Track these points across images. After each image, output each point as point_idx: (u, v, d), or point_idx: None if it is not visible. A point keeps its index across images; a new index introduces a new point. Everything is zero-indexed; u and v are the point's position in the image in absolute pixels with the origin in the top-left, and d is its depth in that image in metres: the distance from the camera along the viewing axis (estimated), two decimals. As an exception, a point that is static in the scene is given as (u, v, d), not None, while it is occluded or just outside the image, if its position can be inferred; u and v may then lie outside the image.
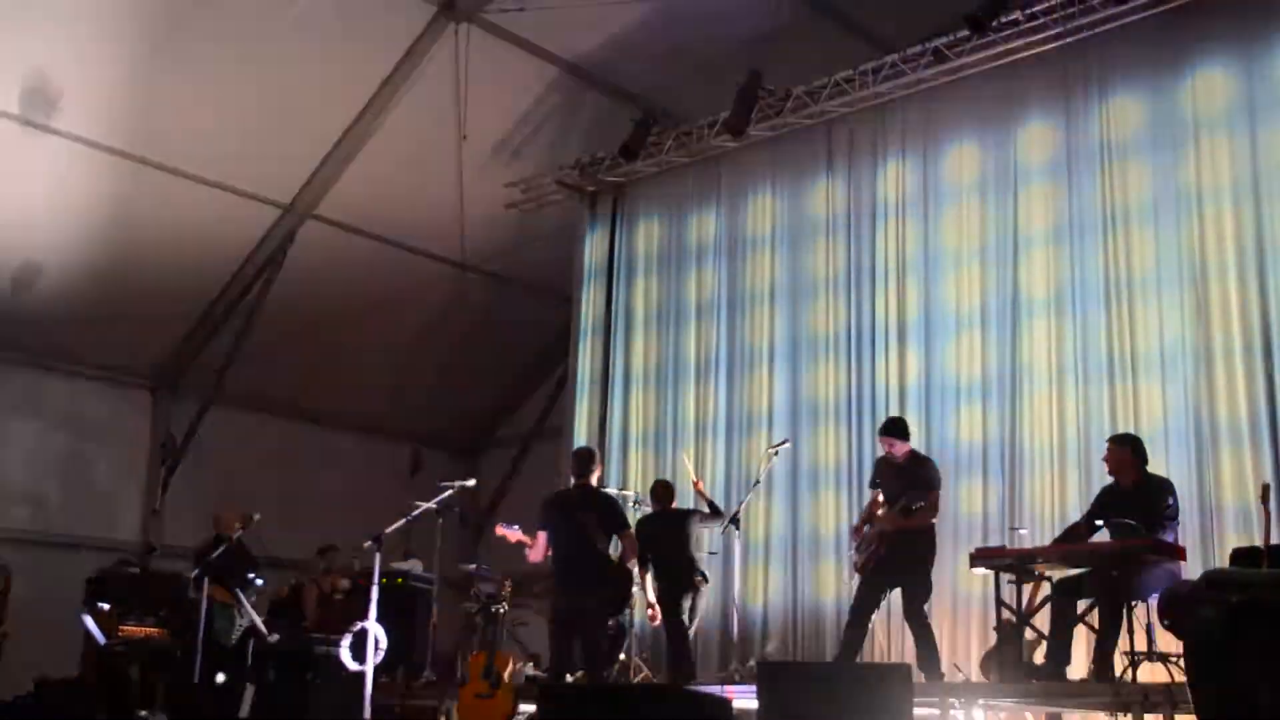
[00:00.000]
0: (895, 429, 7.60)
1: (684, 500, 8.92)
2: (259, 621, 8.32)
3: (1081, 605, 6.64)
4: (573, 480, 7.64)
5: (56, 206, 9.93)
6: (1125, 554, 6.33)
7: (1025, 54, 8.68)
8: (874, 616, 7.41)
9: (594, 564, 7.27)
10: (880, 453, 7.74)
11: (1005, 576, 6.92)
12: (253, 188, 10.59)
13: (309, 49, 9.65)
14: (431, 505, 8.84)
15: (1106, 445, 7.00)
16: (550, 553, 7.39)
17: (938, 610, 8.23)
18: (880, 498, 7.50)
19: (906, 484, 7.30)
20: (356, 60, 9.96)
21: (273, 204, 10.81)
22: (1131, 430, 7.47)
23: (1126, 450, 6.88)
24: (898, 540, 7.20)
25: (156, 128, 9.73)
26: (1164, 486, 6.83)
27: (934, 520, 7.32)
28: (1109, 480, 7.11)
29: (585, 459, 7.70)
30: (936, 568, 8.25)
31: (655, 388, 10.54)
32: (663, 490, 8.54)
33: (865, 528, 7.44)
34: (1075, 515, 7.76)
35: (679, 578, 8.09)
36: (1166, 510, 6.64)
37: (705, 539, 8.49)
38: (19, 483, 10.71)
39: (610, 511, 7.49)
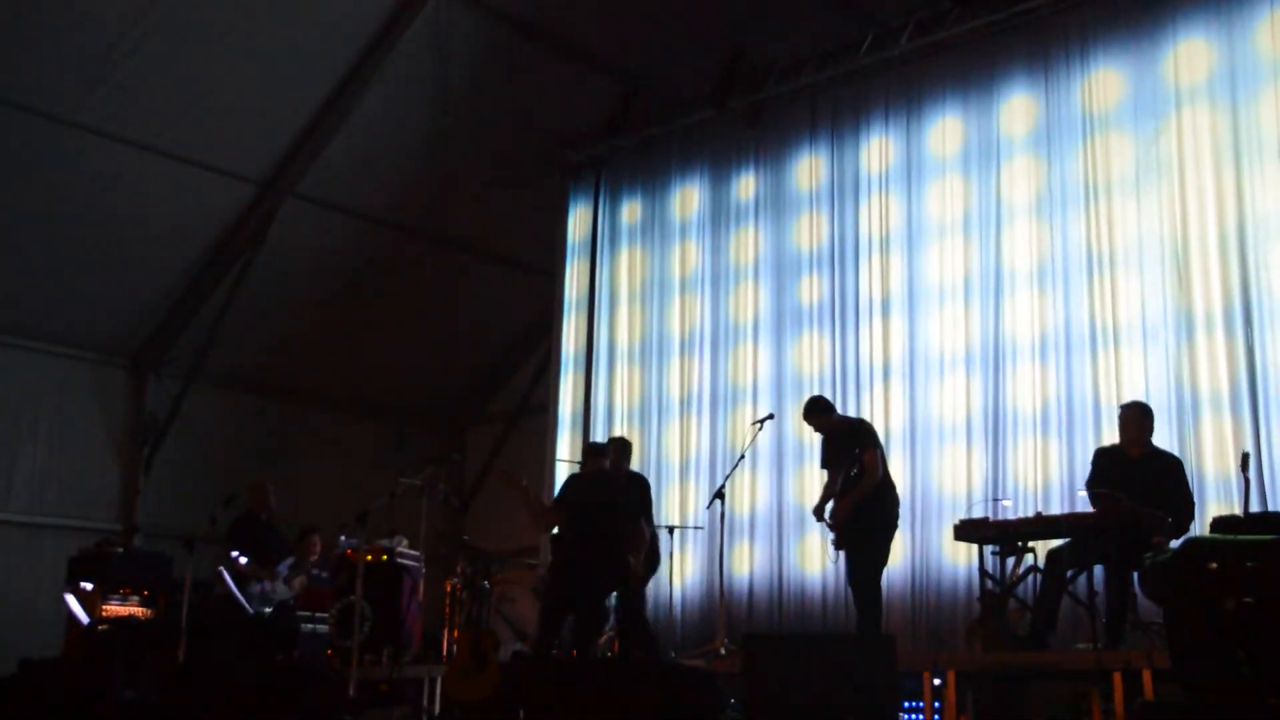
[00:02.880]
0: (812, 408, 7.67)
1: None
2: (239, 595, 8.32)
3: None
4: (605, 464, 7.67)
5: (33, 185, 9.83)
6: (1105, 524, 6.37)
7: (1007, 25, 8.66)
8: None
9: (610, 547, 7.30)
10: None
11: (989, 548, 6.96)
12: (232, 165, 10.50)
13: (286, 22, 9.55)
14: (416, 482, 8.85)
15: (1125, 411, 6.98)
16: (563, 529, 7.39)
17: (923, 582, 8.30)
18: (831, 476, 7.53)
19: (846, 450, 7.34)
20: (335, 34, 9.86)
21: (253, 181, 10.73)
22: (1114, 401, 7.53)
23: (1148, 420, 6.90)
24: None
25: (133, 104, 9.62)
26: (1177, 464, 6.86)
27: (878, 479, 7.26)
28: (1093, 451, 7.16)
29: (623, 448, 8.03)
30: (921, 540, 8.36)
31: (640, 363, 10.54)
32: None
33: (827, 506, 7.46)
34: (1059, 486, 7.82)
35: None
36: (1187, 493, 6.71)
37: None
38: (0, 463, 10.65)
39: (641, 498, 7.63)
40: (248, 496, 9.06)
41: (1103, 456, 7.00)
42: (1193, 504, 6.76)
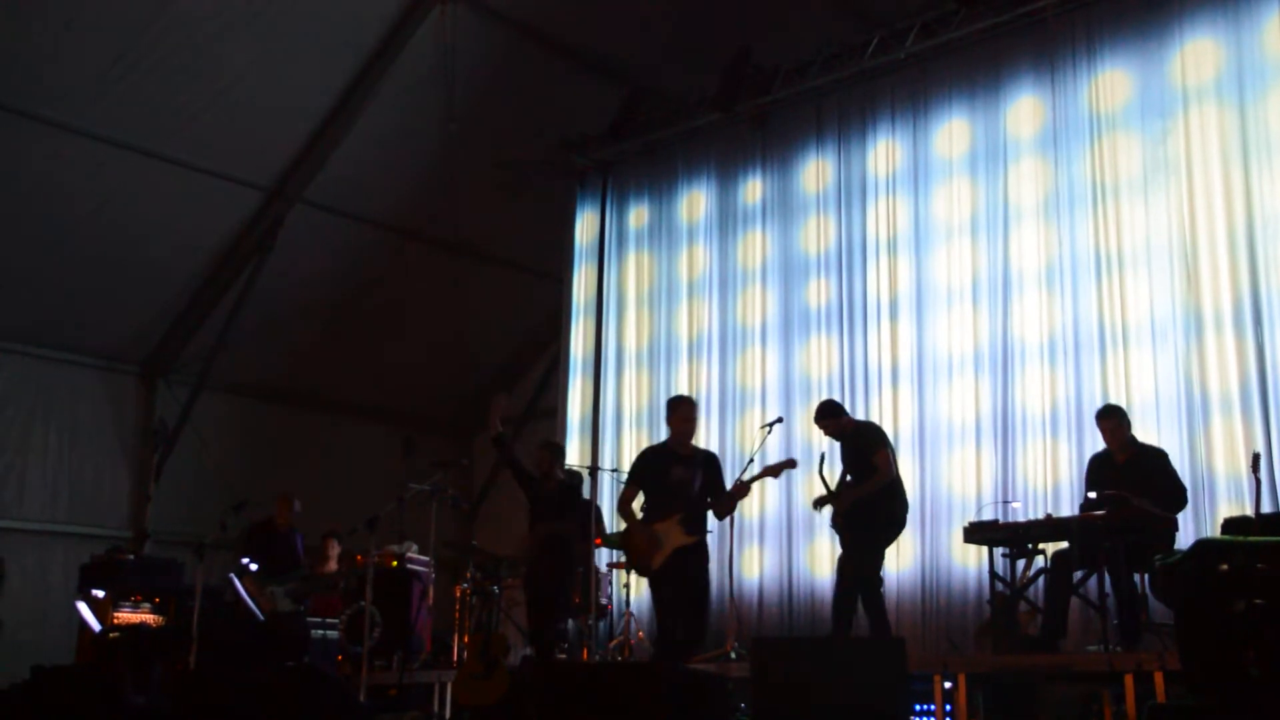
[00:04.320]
0: (822, 412, 7.59)
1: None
2: (250, 603, 8.33)
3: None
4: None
5: (41, 192, 9.87)
6: (1112, 526, 6.36)
7: (1013, 27, 8.65)
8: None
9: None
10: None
11: (999, 550, 6.94)
12: (240, 172, 10.53)
13: (293, 29, 9.57)
14: (425, 487, 8.86)
15: (1101, 423, 7.00)
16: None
17: (933, 584, 8.28)
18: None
19: (856, 453, 7.31)
20: (341, 40, 9.88)
21: (260, 188, 10.76)
22: (1123, 401, 7.51)
23: (1125, 422, 6.93)
24: (850, 511, 7.18)
25: (140, 112, 9.65)
26: (1162, 456, 6.87)
27: (890, 478, 7.20)
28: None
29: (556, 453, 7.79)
30: (931, 542, 8.34)
31: (648, 366, 10.54)
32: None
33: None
34: (1068, 487, 7.80)
35: None
36: (1176, 481, 6.73)
37: None
38: (11, 471, 10.68)
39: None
40: (276, 505, 9.16)
41: (1095, 464, 7.07)
42: (1183, 488, 6.80)
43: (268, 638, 8.39)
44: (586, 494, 9.35)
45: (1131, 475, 6.70)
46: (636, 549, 6.90)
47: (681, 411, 7.16)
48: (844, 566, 7.22)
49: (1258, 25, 7.70)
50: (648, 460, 7.16)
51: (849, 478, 7.25)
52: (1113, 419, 6.99)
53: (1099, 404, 7.62)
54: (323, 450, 12.16)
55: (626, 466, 9.89)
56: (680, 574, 6.78)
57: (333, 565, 9.45)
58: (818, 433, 9.14)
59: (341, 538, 9.45)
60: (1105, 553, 6.39)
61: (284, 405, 12.31)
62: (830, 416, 7.55)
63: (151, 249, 10.66)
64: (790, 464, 7.38)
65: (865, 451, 7.22)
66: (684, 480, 6.93)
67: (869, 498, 7.10)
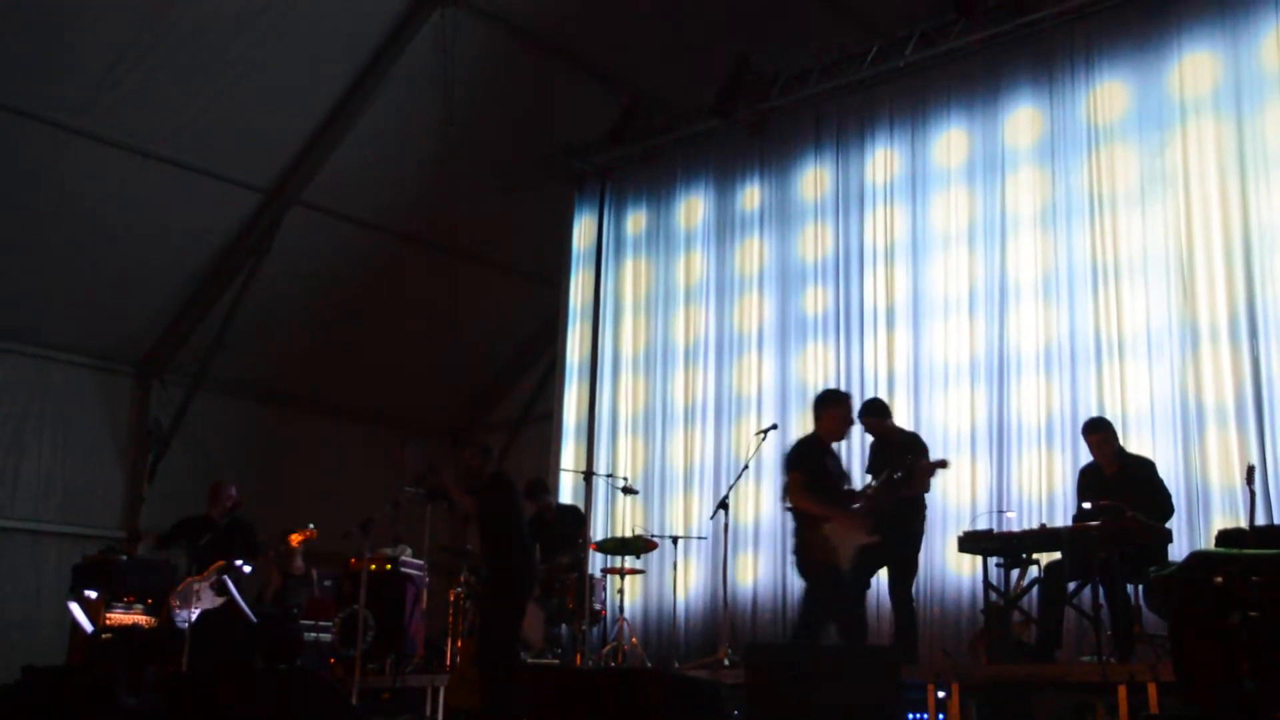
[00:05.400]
0: (871, 409, 7.55)
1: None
2: (243, 605, 8.30)
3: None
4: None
5: (40, 192, 9.85)
6: (1106, 536, 6.38)
7: (1012, 37, 8.68)
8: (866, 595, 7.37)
9: None
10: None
11: (993, 559, 6.95)
12: (238, 174, 10.52)
13: (292, 31, 9.57)
14: (420, 490, 8.86)
15: (1087, 437, 7.03)
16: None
17: (927, 593, 8.28)
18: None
19: (898, 458, 7.25)
20: (340, 43, 9.88)
21: (258, 190, 10.75)
22: (1118, 412, 7.53)
23: (1111, 434, 6.95)
24: (886, 516, 7.08)
25: (139, 112, 9.65)
26: (1148, 466, 6.90)
27: (922, 491, 7.21)
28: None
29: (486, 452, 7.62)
30: (926, 550, 8.32)
31: (644, 372, 10.55)
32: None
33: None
34: (1063, 498, 7.82)
35: None
36: (1162, 489, 6.74)
37: None
38: (4, 470, 10.65)
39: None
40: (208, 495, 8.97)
41: (1086, 474, 7.09)
42: (1168, 495, 6.86)
43: (260, 640, 8.34)
44: (579, 500, 9.40)
45: (1121, 486, 6.72)
46: (839, 539, 6.68)
47: (846, 406, 7.12)
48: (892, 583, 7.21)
49: (1255, 39, 7.73)
50: (809, 448, 7.00)
51: (898, 475, 7.17)
52: (1099, 433, 7.00)
53: (1095, 414, 7.65)
54: (317, 453, 12.13)
55: (621, 472, 9.94)
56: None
57: (298, 562, 9.39)
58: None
59: (298, 529, 9.34)
60: (1099, 563, 6.41)
61: (279, 407, 12.30)
62: (876, 415, 7.49)
63: (149, 249, 10.64)
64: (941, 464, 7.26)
65: (910, 457, 7.15)
66: (839, 475, 6.96)
67: (901, 506, 7.09)
